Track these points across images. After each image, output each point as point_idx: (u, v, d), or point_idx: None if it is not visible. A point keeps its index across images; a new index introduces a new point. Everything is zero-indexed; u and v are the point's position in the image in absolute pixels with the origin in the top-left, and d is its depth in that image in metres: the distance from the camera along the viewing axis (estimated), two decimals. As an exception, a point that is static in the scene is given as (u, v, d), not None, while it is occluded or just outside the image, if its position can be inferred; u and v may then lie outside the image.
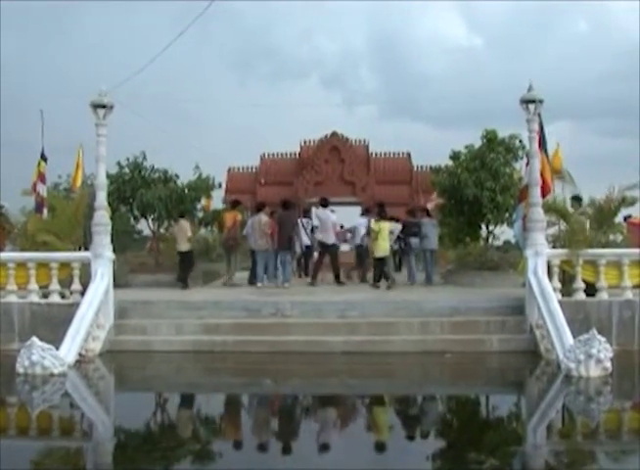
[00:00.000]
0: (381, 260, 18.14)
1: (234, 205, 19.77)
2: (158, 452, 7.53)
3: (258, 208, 18.96)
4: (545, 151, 14.77)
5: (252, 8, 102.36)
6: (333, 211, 19.75)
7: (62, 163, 21.54)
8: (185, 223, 18.54)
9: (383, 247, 17.87)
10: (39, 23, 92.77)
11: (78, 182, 18.70)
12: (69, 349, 12.00)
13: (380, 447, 7.85)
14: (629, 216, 17.69)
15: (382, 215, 18.40)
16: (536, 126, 13.85)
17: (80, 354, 12.34)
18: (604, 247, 14.16)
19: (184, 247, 18.44)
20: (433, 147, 69.08)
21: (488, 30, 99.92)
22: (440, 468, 7.24)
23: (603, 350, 10.77)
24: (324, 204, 19.42)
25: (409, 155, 40.53)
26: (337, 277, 18.92)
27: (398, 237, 19.31)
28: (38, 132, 18.72)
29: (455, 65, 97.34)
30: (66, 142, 21.14)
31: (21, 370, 11.10)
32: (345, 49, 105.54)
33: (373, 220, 18.59)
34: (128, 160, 19.63)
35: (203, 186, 20.10)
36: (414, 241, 19.37)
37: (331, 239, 18.72)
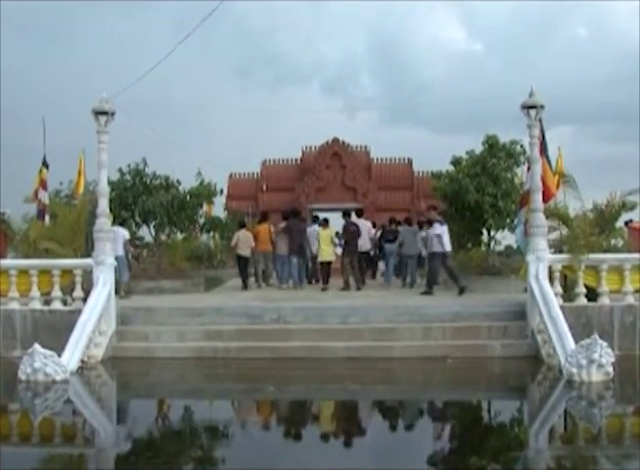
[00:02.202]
0: (327, 264, 19.89)
1: (265, 217, 21.25)
2: (160, 459, 7.52)
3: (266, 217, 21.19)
4: (546, 156, 14.82)
5: (254, 15, 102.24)
6: (367, 218, 21.81)
7: (63, 169, 21.59)
8: (249, 233, 20.39)
9: (326, 252, 19.58)
10: (39, 29, 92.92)
11: (81, 189, 18.75)
12: (72, 355, 12.00)
13: (381, 453, 7.83)
14: (630, 221, 17.72)
15: (320, 224, 20.19)
16: (537, 132, 13.87)
17: (82, 361, 12.33)
18: (605, 251, 14.19)
19: (248, 252, 20.12)
20: (433, 152, 68.98)
21: (488, 35, 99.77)
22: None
23: (604, 354, 10.78)
24: (359, 213, 21.20)
25: (410, 161, 40.60)
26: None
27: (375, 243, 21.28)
28: (39, 138, 18.81)
29: (455, 70, 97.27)
30: (67, 149, 21.20)
31: (23, 377, 11.08)
32: (346, 55, 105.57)
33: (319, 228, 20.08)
34: (129, 166, 19.64)
35: (204, 192, 20.13)
36: (389, 247, 20.66)
37: (367, 246, 20.60)
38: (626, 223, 17.53)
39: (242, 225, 20.93)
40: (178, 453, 7.81)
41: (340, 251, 19.92)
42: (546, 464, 7.44)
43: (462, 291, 16.97)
